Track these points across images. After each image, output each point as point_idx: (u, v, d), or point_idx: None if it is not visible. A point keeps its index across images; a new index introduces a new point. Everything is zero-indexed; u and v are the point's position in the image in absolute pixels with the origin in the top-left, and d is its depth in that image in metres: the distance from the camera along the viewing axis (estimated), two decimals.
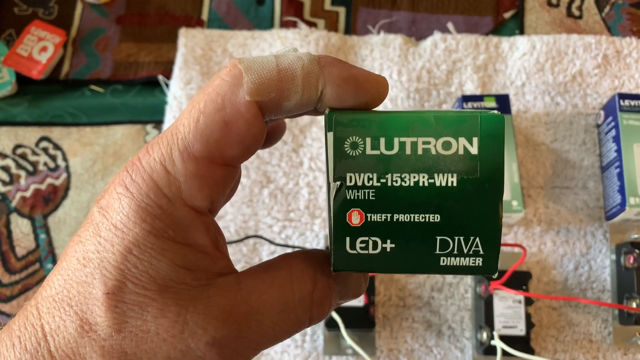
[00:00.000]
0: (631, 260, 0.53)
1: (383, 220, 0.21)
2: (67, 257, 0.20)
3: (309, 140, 0.62)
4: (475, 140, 0.20)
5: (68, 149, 0.64)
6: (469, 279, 0.57)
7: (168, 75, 0.65)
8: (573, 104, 0.63)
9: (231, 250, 0.58)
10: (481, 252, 0.21)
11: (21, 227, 0.61)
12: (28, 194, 0.63)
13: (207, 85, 0.21)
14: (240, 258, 0.58)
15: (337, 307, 0.24)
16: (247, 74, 0.20)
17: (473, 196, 0.20)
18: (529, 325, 0.52)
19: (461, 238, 0.20)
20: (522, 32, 0.67)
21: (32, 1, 0.70)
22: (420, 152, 0.20)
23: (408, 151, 0.20)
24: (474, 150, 0.20)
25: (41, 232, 0.61)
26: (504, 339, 0.52)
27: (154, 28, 0.68)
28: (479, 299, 0.54)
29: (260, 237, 0.57)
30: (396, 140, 0.20)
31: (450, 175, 0.20)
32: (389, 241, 0.21)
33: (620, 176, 0.55)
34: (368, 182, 0.20)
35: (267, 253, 0.58)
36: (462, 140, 0.20)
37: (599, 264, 0.57)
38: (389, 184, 0.20)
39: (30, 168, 0.63)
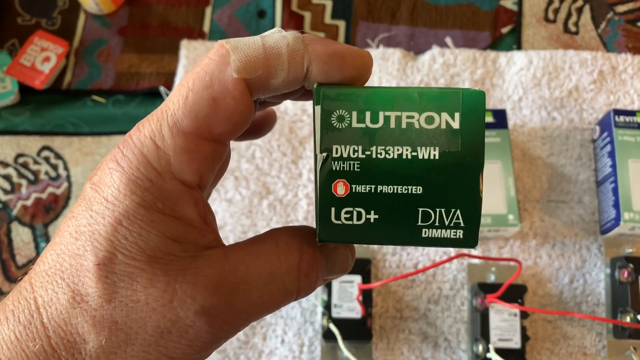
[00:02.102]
0: (625, 274, 0.54)
1: (367, 191, 0.21)
2: (60, 232, 0.21)
3: (308, 152, 0.63)
4: (457, 115, 0.21)
5: (69, 158, 0.65)
6: (465, 292, 0.58)
7: (169, 86, 0.66)
8: (569, 118, 0.63)
9: None
10: (462, 225, 0.21)
11: (22, 236, 0.62)
12: (29, 202, 0.63)
13: (195, 66, 0.21)
14: None
15: (325, 282, 0.25)
16: (234, 52, 0.21)
17: (454, 169, 0.21)
18: (524, 338, 0.53)
19: (442, 210, 0.21)
20: (519, 47, 0.68)
21: (36, 11, 0.71)
22: (404, 125, 0.21)
23: (392, 125, 0.21)
24: (455, 125, 0.21)
25: (42, 240, 0.62)
26: (499, 351, 0.52)
27: (155, 39, 0.69)
28: (475, 312, 0.55)
29: None
30: (381, 114, 0.21)
31: (432, 148, 0.21)
32: (372, 212, 0.21)
33: (615, 191, 0.56)
34: (353, 154, 0.21)
35: None
36: (445, 115, 0.21)
37: (594, 278, 0.58)
38: (374, 156, 0.21)
39: (31, 177, 0.64)
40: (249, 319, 0.22)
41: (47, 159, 0.65)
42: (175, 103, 0.20)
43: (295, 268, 0.22)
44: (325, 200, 0.21)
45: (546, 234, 0.59)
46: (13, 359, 0.19)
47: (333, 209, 0.21)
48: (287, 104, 0.64)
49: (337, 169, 0.21)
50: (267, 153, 0.63)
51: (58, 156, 0.65)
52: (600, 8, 0.70)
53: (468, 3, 0.70)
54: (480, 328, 0.53)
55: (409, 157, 0.21)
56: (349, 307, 0.55)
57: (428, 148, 0.21)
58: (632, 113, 0.58)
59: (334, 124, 0.21)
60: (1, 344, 0.20)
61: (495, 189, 0.56)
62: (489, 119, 0.58)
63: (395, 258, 0.59)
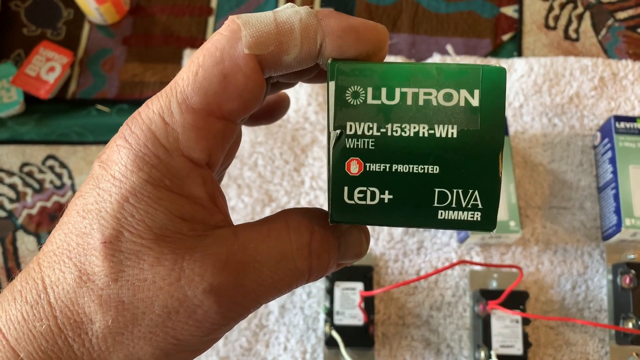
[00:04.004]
0: (627, 280, 0.54)
1: (382, 170, 0.20)
2: (68, 211, 0.21)
3: (310, 160, 0.63)
4: (476, 92, 0.20)
5: (74, 167, 0.65)
6: (467, 298, 0.58)
7: None
8: (570, 125, 0.64)
9: None
10: (480, 206, 0.20)
11: (27, 244, 0.62)
12: (34, 211, 0.64)
13: (206, 42, 0.21)
14: None
15: (338, 268, 0.24)
16: (245, 28, 0.20)
17: (473, 148, 0.20)
18: (526, 344, 0.53)
19: (460, 191, 0.20)
20: (520, 54, 0.68)
21: (41, 22, 0.72)
22: (421, 102, 0.20)
23: (409, 102, 0.20)
24: (475, 102, 0.20)
25: None
26: (501, 358, 0.52)
27: (159, 49, 0.70)
28: (477, 318, 0.55)
29: None
30: (397, 91, 0.20)
31: (450, 126, 0.20)
32: (387, 192, 0.20)
33: (616, 197, 0.56)
34: (368, 132, 0.20)
35: None
36: (464, 92, 0.20)
37: (596, 284, 0.58)
38: (389, 133, 0.20)
39: (36, 186, 0.65)
40: (259, 299, 0.21)
41: (52, 168, 0.65)
42: (185, 79, 0.20)
43: (307, 247, 0.22)
44: (338, 179, 0.21)
45: (548, 241, 0.60)
46: (20, 339, 0.19)
47: (346, 188, 0.21)
48: (290, 113, 0.65)
49: (351, 146, 0.20)
50: (270, 161, 0.63)
51: (63, 165, 0.65)
52: (601, 15, 0.70)
53: (469, 11, 0.71)
54: (482, 334, 0.54)
55: (426, 135, 0.20)
56: (351, 314, 0.55)
57: (446, 126, 0.20)
58: (632, 119, 0.58)
59: (349, 100, 0.21)
60: (8, 324, 0.20)
61: None
62: None
63: (398, 265, 0.59)
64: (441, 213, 0.20)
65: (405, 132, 0.20)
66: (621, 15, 0.70)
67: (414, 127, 0.20)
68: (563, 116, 0.64)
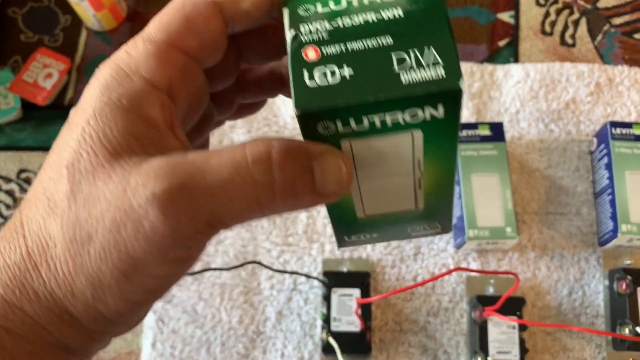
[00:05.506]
0: (623, 286, 0.54)
1: (338, 52, 0.21)
2: (47, 156, 0.22)
3: None
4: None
5: None
6: (464, 304, 0.58)
7: None
8: (566, 130, 0.64)
9: (229, 275, 0.59)
10: (440, 62, 0.20)
11: None
12: None
13: None
14: (239, 282, 0.59)
15: (322, 201, 0.22)
16: None
17: (420, 18, 0.21)
18: (523, 350, 0.53)
19: (415, 49, 0.21)
20: (516, 60, 0.69)
21: (38, 29, 0.72)
22: (366, 2, 0.22)
23: (355, 3, 0.22)
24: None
25: None
26: None
27: None
28: (474, 324, 0.55)
29: (259, 263, 0.58)
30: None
31: (395, 9, 0.21)
32: (345, 66, 0.21)
33: (613, 203, 0.56)
34: (321, 27, 0.22)
35: (265, 277, 0.59)
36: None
37: (593, 290, 0.58)
38: (341, 25, 0.21)
39: None
40: (212, 211, 0.20)
41: None
42: (150, 25, 0.22)
43: (265, 158, 0.20)
44: (296, 65, 0.21)
45: (545, 246, 0.60)
46: None
47: (306, 71, 0.21)
48: (286, 119, 0.65)
49: (306, 40, 0.21)
50: None
51: None
52: (597, 20, 0.70)
53: (465, 16, 0.71)
54: (479, 341, 0.54)
55: (375, 20, 0.21)
56: (348, 320, 0.55)
57: (392, 9, 0.21)
58: (628, 125, 0.58)
59: (301, 13, 0.22)
60: None
61: (493, 202, 0.56)
62: (485, 132, 0.59)
63: (395, 271, 0.59)
64: (404, 76, 0.20)
65: (355, 22, 0.21)
66: (617, 20, 0.70)
67: (363, 16, 0.22)
68: (559, 122, 0.64)
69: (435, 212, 0.26)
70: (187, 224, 0.19)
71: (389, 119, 0.21)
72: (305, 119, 0.21)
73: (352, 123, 0.21)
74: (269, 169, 0.20)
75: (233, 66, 0.26)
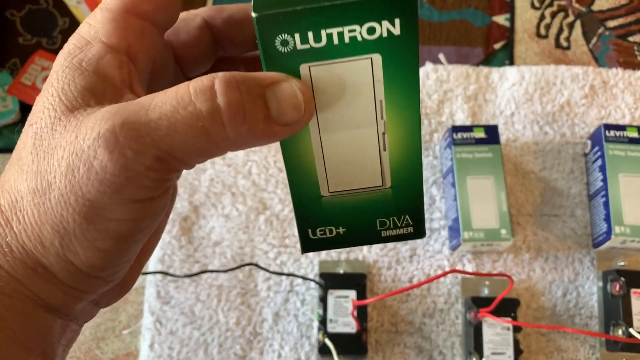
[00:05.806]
0: (617, 287, 0.55)
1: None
2: None
3: None
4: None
5: None
6: (459, 305, 0.58)
7: None
8: (561, 133, 0.64)
9: (227, 276, 0.60)
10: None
11: None
12: None
13: None
14: (236, 284, 0.60)
15: (284, 130, 0.22)
16: None
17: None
18: (517, 351, 0.54)
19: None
20: (511, 63, 0.69)
21: (37, 31, 0.72)
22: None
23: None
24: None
25: None
26: None
27: None
28: (469, 326, 0.56)
29: (256, 265, 0.59)
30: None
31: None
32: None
33: (606, 205, 0.57)
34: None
35: (262, 279, 0.60)
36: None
37: (587, 291, 0.59)
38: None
39: None
40: (158, 146, 0.20)
41: None
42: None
43: (208, 88, 0.20)
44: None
45: (539, 248, 0.60)
46: None
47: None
48: None
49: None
50: (264, 169, 0.64)
51: None
52: (592, 23, 0.71)
53: (461, 20, 0.71)
54: (474, 342, 0.54)
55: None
56: (344, 321, 0.55)
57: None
58: (622, 128, 0.58)
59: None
60: None
61: (488, 204, 0.56)
62: (480, 134, 0.59)
63: (391, 272, 0.60)
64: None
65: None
66: (612, 23, 0.71)
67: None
68: (554, 124, 0.65)
69: (404, 196, 0.25)
70: (134, 160, 0.20)
71: (347, 35, 0.21)
72: (263, 26, 0.20)
73: (310, 37, 0.21)
74: (212, 97, 0.20)
75: (210, 54, 0.27)
